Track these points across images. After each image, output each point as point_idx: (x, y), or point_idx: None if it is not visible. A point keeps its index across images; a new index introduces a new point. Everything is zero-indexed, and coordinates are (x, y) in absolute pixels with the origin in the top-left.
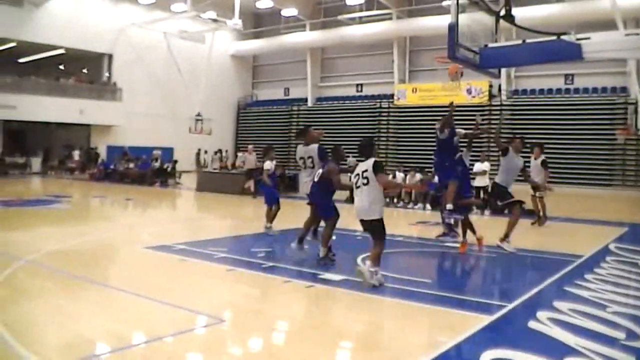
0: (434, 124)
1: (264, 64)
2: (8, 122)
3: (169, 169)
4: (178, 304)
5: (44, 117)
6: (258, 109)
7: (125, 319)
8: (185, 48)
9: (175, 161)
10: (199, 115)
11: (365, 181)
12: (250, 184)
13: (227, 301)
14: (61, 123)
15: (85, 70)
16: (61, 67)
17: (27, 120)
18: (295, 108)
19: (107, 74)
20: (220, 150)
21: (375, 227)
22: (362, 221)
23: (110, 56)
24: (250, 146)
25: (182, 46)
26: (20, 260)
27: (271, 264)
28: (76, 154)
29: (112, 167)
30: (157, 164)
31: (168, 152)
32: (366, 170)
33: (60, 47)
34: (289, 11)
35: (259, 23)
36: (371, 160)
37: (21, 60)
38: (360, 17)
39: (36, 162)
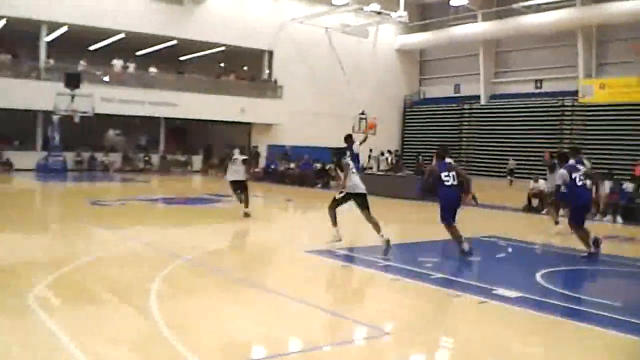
0: (628, 125)
1: (432, 58)
2: (169, 119)
3: (331, 170)
4: (338, 312)
5: (204, 115)
6: (426, 108)
7: (282, 325)
8: (347, 43)
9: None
10: (362, 114)
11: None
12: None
13: (390, 312)
14: (222, 121)
15: (245, 68)
16: (221, 64)
17: (188, 118)
18: (466, 106)
19: (267, 71)
20: (389, 151)
21: None
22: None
23: (270, 53)
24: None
25: (344, 41)
26: (181, 258)
27: (440, 275)
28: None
29: (272, 167)
30: (318, 165)
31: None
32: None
33: (221, 45)
34: (458, 0)
35: (426, 14)
36: None
37: (182, 58)
38: (539, 5)
39: (197, 161)
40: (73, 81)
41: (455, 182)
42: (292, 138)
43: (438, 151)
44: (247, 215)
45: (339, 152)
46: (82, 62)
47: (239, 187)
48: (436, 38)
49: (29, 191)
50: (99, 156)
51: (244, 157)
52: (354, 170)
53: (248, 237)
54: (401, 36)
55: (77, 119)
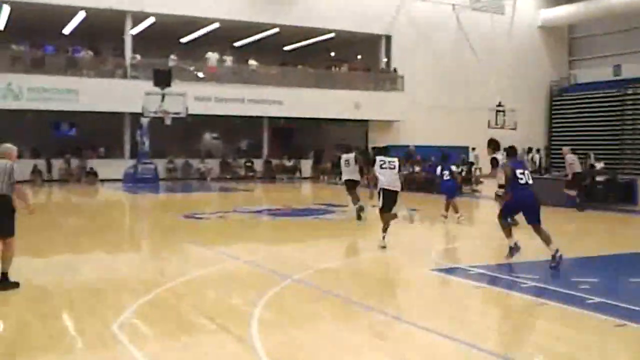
0: None
1: (584, 35)
2: (273, 119)
3: (463, 174)
4: (473, 342)
5: (313, 113)
6: (578, 95)
7: (410, 357)
8: (479, 22)
9: (471, 164)
10: (499, 105)
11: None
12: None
13: (534, 343)
14: (333, 119)
15: (359, 57)
16: (332, 54)
17: (294, 117)
18: (629, 91)
19: (385, 60)
20: (529, 149)
21: None
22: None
23: (388, 38)
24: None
25: (475, 20)
26: (287, 278)
27: (599, 299)
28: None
29: None
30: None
31: (461, 153)
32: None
33: (330, 31)
34: None
35: None
36: None
37: (286, 48)
38: None
39: (306, 166)
40: (163, 79)
41: (530, 181)
42: (416, 137)
43: (511, 147)
44: (360, 212)
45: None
46: (172, 56)
47: (353, 187)
48: (589, 10)
49: (116, 204)
50: (195, 163)
51: (352, 155)
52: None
53: (365, 253)
54: (544, 10)
55: (168, 122)
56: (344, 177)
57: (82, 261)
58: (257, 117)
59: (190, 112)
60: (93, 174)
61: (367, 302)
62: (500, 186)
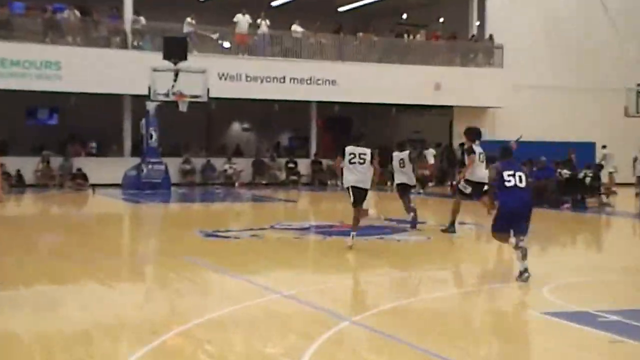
0: None
1: None
2: (324, 105)
3: (588, 180)
4: None
5: (378, 97)
6: None
7: None
8: None
9: (600, 167)
10: None
11: None
12: None
13: None
14: (405, 106)
15: (441, 20)
16: (403, 16)
17: (352, 102)
18: None
19: (476, 24)
20: None
21: None
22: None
23: None
24: None
25: None
26: (343, 320)
27: None
28: (430, 154)
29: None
30: (566, 172)
31: (586, 150)
32: None
33: None
34: None
35: None
36: None
37: (341, 8)
38: None
39: None
40: (176, 50)
41: (522, 184)
42: (521, 129)
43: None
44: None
45: None
46: (188, 19)
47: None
48: None
49: (113, 218)
50: (218, 163)
51: (407, 152)
52: None
53: (448, 287)
54: None
55: (183, 108)
56: (397, 180)
57: (65, 294)
58: (302, 103)
59: (212, 95)
60: (81, 176)
61: (449, 355)
62: (466, 181)
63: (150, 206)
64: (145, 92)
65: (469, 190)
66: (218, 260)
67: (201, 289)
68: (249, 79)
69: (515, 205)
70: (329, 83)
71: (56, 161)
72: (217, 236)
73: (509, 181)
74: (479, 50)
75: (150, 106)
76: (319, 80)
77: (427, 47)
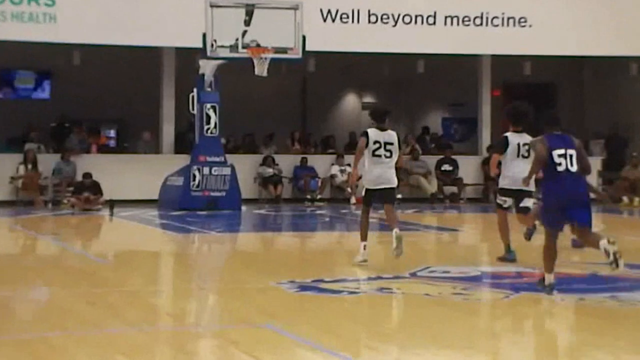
0: None
1: None
2: (508, 60)
3: None
4: None
5: (603, 48)
6: None
7: None
8: None
9: None
10: None
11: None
12: None
13: None
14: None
15: None
16: None
17: (555, 55)
18: None
19: None
20: None
21: None
22: None
23: None
24: None
25: None
26: None
27: None
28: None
29: None
30: None
31: None
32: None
33: None
34: None
35: None
36: None
37: None
38: None
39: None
40: None
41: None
42: None
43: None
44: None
45: None
46: None
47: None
48: None
49: (149, 260)
50: (321, 164)
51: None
52: None
53: None
54: None
55: (261, 71)
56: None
57: None
58: (466, 58)
59: (311, 47)
60: (91, 187)
61: None
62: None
63: (207, 238)
64: (198, 44)
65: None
66: (320, 332)
67: None
68: (373, 18)
69: (575, 192)
70: (514, 23)
71: (47, 161)
72: (319, 290)
73: (560, 164)
74: None
75: (207, 68)
76: (495, 18)
77: None
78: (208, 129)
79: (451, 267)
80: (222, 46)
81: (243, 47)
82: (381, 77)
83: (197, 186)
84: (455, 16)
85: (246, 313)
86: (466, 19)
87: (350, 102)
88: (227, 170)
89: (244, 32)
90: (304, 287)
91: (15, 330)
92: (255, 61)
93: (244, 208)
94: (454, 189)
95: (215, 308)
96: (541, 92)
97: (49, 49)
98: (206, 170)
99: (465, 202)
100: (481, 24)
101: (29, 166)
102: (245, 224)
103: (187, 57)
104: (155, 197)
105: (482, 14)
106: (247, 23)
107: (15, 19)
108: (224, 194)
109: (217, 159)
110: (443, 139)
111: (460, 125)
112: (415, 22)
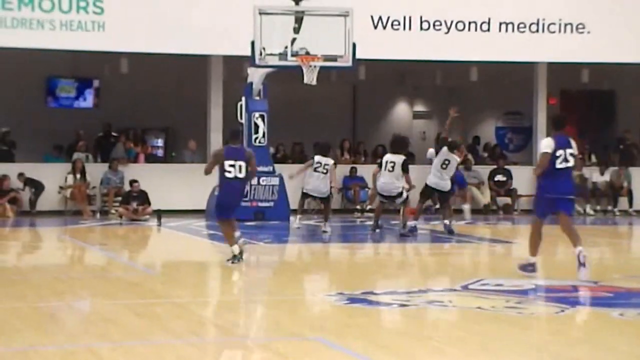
0: None
1: None
2: (567, 68)
3: None
4: None
5: None
6: None
7: None
8: None
9: None
10: None
11: None
12: None
13: None
14: None
15: None
16: None
17: (616, 62)
18: None
19: None
20: None
21: None
22: None
23: None
24: None
25: None
26: None
27: None
28: None
29: None
30: None
31: None
32: None
33: None
34: None
35: None
36: None
37: None
38: None
39: None
40: None
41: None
42: None
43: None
44: None
45: None
46: None
47: None
48: None
49: (195, 269)
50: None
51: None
52: None
53: None
54: None
55: (310, 79)
56: None
57: None
58: (522, 66)
59: (361, 55)
60: (139, 197)
61: None
62: None
63: (255, 248)
64: (246, 52)
65: None
66: (372, 346)
67: None
68: (425, 25)
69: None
70: (572, 29)
71: (95, 171)
72: (369, 302)
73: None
74: None
75: (255, 76)
76: (552, 24)
77: None
78: (256, 138)
79: (504, 279)
80: (270, 54)
81: (292, 55)
82: (433, 85)
83: (245, 196)
84: (510, 22)
85: (295, 325)
86: (521, 25)
87: (402, 110)
88: (275, 181)
89: (293, 40)
90: (353, 300)
91: (62, 341)
92: (304, 69)
93: (292, 219)
94: (508, 199)
95: (263, 320)
96: (600, 99)
97: (94, 57)
98: (254, 180)
99: (519, 214)
100: (537, 30)
101: (78, 176)
102: (292, 235)
103: (235, 65)
104: (203, 207)
105: (538, 20)
106: (297, 30)
107: (64, 27)
108: (272, 204)
109: (265, 169)
110: (497, 149)
111: (515, 135)
112: (469, 28)
